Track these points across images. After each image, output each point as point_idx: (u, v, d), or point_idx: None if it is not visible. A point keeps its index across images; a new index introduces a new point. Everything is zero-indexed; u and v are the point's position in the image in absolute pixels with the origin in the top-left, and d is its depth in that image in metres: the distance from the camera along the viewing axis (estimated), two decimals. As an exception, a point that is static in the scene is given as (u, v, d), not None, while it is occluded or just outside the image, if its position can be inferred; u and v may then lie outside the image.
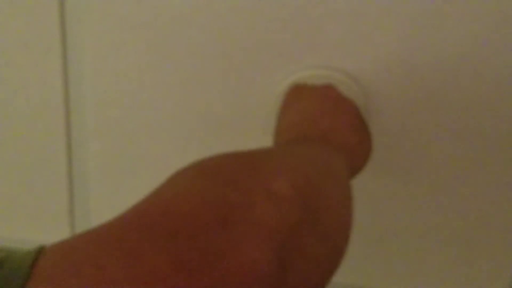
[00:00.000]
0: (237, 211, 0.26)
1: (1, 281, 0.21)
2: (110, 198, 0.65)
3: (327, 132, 0.45)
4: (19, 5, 0.59)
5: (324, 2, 0.53)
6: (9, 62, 0.61)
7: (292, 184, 0.29)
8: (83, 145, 0.64)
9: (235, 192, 0.27)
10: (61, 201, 0.66)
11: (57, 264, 0.22)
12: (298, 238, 0.27)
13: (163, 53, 0.58)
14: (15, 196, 0.68)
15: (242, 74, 0.57)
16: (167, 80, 0.59)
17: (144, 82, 0.60)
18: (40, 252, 0.22)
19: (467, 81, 0.53)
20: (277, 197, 0.28)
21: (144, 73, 0.59)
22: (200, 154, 0.33)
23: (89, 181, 0.65)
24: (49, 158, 0.64)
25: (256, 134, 0.58)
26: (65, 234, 0.68)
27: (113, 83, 0.60)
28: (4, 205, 0.69)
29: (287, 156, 0.37)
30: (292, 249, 0.26)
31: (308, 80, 0.53)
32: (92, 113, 0.62)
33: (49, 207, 0.67)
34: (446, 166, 0.56)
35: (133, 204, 0.27)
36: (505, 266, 0.59)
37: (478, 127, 0.55)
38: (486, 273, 0.59)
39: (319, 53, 0.55)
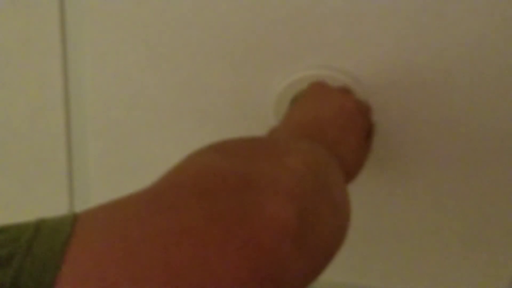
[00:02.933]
0: (258, 179, 0.29)
1: (44, 245, 0.22)
2: (110, 198, 0.65)
3: (331, 145, 0.45)
4: (19, 5, 0.59)
5: (324, 2, 0.53)
6: (9, 62, 0.61)
7: (303, 161, 0.33)
8: (83, 145, 0.64)
9: (254, 164, 0.30)
10: (61, 201, 0.66)
11: (97, 225, 0.24)
12: (313, 205, 0.30)
13: (163, 53, 0.58)
14: (15, 196, 0.68)
15: (242, 74, 0.57)
16: (167, 80, 0.59)
17: (144, 82, 0.60)
18: (76, 216, 0.24)
19: (467, 81, 0.53)
20: (292, 169, 0.31)
21: (144, 73, 0.59)
22: (200, 154, 0.33)
23: (89, 181, 0.65)
24: (49, 158, 0.64)
25: (256, 134, 0.58)
26: (65, 234, 0.68)
27: (113, 83, 0.60)
28: (4, 205, 0.69)
29: (295, 141, 0.40)
30: (309, 213, 0.29)
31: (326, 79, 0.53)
32: (92, 113, 0.62)
33: (49, 207, 0.67)
34: (446, 166, 0.56)
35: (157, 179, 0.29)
36: (505, 266, 0.59)
37: (478, 127, 0.55)
38: (486, 273, 0.59)
39: (319, 53, 0.55)
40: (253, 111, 0.58)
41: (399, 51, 0.53)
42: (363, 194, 0.59)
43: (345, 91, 0.53)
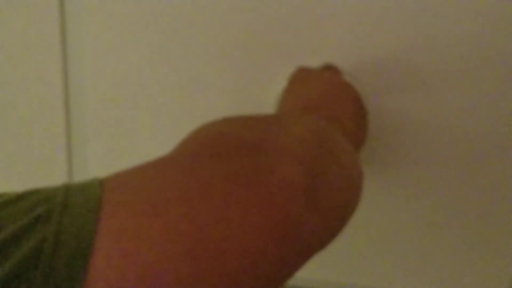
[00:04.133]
0: (266, 145, 0.30)
1: (78, 203, 0.23)
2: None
3: (329, 117, 0.46)
4: (19, 5, 0.59)
5: (324, 2, 0.53)
6: (9, 62, 0.61)
7: (308, 129, 0.35)
8: (83, 145, 0.64)
9: (262, 133, 0.32)
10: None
11: (123, 186, 0.25)
12: (321, 165, 0.32)
13: (163, 53, 0.58)
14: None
15: (241, 74, 0.57)
16: (167, 80, 0.59)
17: (144, 82, 0.60)
18: (101, 180, 0.25)
19: (467, 81, 0.53)
20: (297, 136, 0.33)
21: (144, 73, 0.59)
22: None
23: (89, 181, 0.65)
24: (49, 158, 0.64)
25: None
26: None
27: (113, 83, 0.60)
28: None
29: (299, 115, 0.42)
30: (317, 174, 0.30)
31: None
32: (92, 113, 0.62)
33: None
34: (446, 166, 0.56)
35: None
36: (505, 266, 0.59)
37: (478, 126, 0.55)
38: (486, 273, 0.59)
39: (319, 53, 0.55)
40: (253, 111, 0.58)
41: (398, 51, 0.53)
42: (363, 194, 0.59)
43: (328, 68, 0.54)
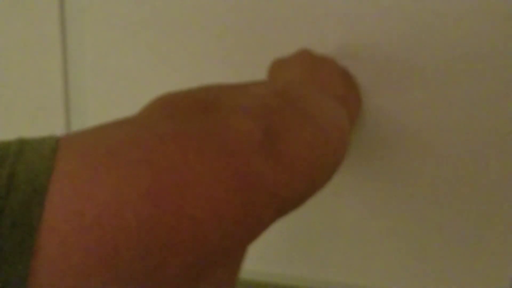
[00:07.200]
0: (222, 101, 0.31)
1: (33, 151, 0.22)
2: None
3: (307, 81, 0.46)
4: (19, 5, 0.59)
5: (324, 2, 0.53)
6: (9, 62, 0.61)
7: (267, 87, 0.35)
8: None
9: (217, 92, 0.33)
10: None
11: (79, 139, 0.25)
12: (282, 118, 0.32)
13: (163, 53, 0.58)
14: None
15: (242, 74, 0.57)
16: (167, 80, 0.59)
17: (144, 82, 0.60)
18: (58, 136, 0.24)
19: (467, 80, 0.53)
20: (254, 94, 0.33)
21: (144, 73, 0.59)
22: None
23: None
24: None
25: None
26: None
27: (113, 83, 0.60)
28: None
29: (265, 80, 0.42)
30: (278, 125, 0.31)
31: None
32: (92, 113, 0.62)
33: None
34: (446, 166, 0.56)
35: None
36: (505, 266, 0.59)
37: (478, 127, 0.55)
38: (486, 273, 0.59)
39: (319, 53, 0.55)
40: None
41: (399, 51, 0.53)
42: (363, 194, 0.59)
43: (301, 52, 0.54)
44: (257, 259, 0.63)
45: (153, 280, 0.23)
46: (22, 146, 0.23)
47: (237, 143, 0.27)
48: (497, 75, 0.53)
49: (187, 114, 0.29)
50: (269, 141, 0.29)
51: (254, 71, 0.57)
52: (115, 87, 0.60)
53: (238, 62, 0.57)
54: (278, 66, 0.52)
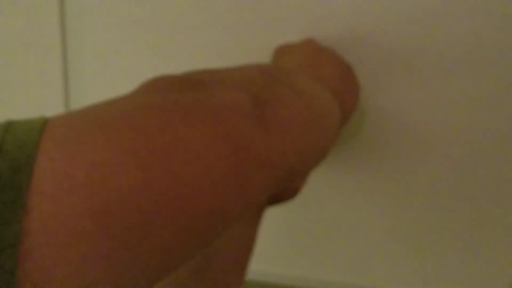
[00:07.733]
0: (212, 79, 0.31)
1: (18, 128, 0.23)
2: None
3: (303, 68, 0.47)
4: (19, 5, 0.59)
5: (324, 2, 0.53)
6: (9, 62, 0.61)
7: (257, 67, 0.36)
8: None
9: (208, 73, 0.33)
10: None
11: (68, 114, 0.25)
12: (272, 92, 0.32)
13: (163, 53, 0.58)
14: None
15: (242, 74, 0.57)
16: (167, 80, 0.59)
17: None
18: (44, 123, 0.24)
19: (467, 81, 0.53)
20: (245, 73, 0.34)
21: (144, 73, 0.59)
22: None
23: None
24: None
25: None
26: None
27: (113, 83, 0.60)
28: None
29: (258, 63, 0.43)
30: (267, 95, 0.32)
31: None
32: (92, 113, 0.62)
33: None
34: (446, 165, 0.56)
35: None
36: (505, 266, 0.59)
37: (478, 127, 0.55)
38: (486, 273, 0.59)
39: (319, 53, 0.55)
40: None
41: (399, 51, 0.53)
42: (363, 194, 0.59)
43: (305, 40, 0.55)
44: (257, 259, 0.63)
45: (148, 243, 0.23)
46: (11, 122, 0.23)
47: (225, 110, 0.28)
48: (497, 75, 0.53)
49: (177, 89, 0.29)
50: (258, 110, 0.30)
51: (254, 71, 0.57)
52: (115, 87, 0.61)
53: (238, 62, 0.57)
54: (282, 52, 0.53)
